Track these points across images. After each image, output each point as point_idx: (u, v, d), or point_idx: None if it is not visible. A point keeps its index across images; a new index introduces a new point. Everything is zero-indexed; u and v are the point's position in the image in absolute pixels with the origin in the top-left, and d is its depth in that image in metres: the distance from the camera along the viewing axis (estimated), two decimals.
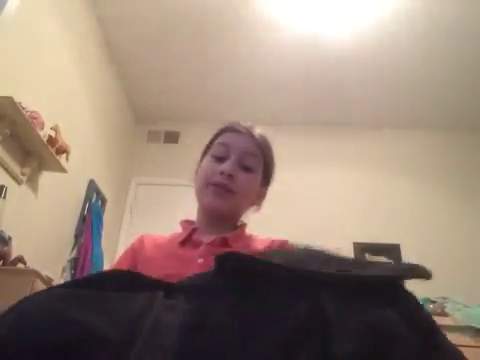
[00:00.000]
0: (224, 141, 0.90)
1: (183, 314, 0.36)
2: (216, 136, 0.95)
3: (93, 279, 0.44)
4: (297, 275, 0.39)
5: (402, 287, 0.41)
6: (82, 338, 0.32)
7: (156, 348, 0.32)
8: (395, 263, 0.48)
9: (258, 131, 0.93)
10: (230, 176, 0.84)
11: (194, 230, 0.86)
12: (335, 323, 0.34)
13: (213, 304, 0.37)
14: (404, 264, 0.46)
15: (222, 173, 0.84)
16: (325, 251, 0.47)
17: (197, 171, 0.94)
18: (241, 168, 0.86)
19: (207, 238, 0.83)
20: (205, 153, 0.94)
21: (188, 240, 0.84)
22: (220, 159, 0.87)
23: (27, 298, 0.39)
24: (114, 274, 0.47)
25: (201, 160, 0.94)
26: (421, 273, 0.44)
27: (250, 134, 0.90)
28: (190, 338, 0.33)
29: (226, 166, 0.84)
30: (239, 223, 0.93)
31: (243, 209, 0.91)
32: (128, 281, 0.43)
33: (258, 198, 0.94)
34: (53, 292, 0.40)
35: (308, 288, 0.37)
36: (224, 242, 0.82)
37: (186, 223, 0.91)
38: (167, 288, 0.43)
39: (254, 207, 0.94)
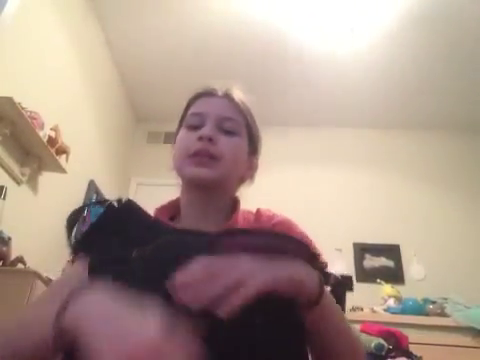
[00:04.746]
0: (197, 110, 0.79)
1: None
2: (188, 105, 0.84)
3: None
4: None
5: None
6: None
7: None
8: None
9: (236, 92, 0.81)
10: (210, 140, 0.72)
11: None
12: None
13: None
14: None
15: (200, 138, 0.72)
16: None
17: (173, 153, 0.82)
18: (221, 132, 0.75)
19: None
20: (179, 128, 0.83)
21: None
22: (195, 128, 0.76)
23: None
24: None
25: (175, 137, 0.83)
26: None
27: (226, 96, 0.79)
28: None
29: (203, 130, 0.73)
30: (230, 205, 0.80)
31: (233, 180, 0.78)
32: None
33: (249, 169, 0.82)
34: None
35: None
36: None
37: (161, 211, 0.79)
38: None
39: (247, 180, 0.82)
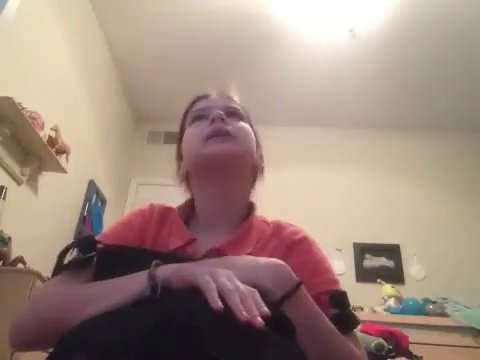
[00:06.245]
0: (199, 107, 0.80)
1: None
2: (188, 108, 0.84)
3: None
4: None
5: None
6: None
7: None
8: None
9: (232, 95, 0.83)
10: (222, 120, 0.73)
11: (192, 240, 0.72)
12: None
13: None
14: None
15: (213, 121, 0.73)
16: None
17: (178, 149, 0.83)
18: (228, 115, 0.76)
19: (202, 247, 0.70)
20: (182, 131, 0.82)
21: (182, 248, 0.71)
22: (201, 118, 0.77)
23: None
24: None
25: (180, 140, 0.82)
26: None
27: (225, 95, 0.82)
28: None
29: (214, 113, 0.74)
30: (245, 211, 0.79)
31: (251, 159, 0.77)
32: None
33: (259, 158, 0.82)
34: None
35: None
36: (219, 253, 0.68)
37: (181, 225, 0.75)
38: None
39: (258, 173, 0.82)
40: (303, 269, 0.61)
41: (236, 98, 0.83)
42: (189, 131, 0.78)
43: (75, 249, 0.65)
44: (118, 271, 0.56)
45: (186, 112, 0.84)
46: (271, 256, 0.60)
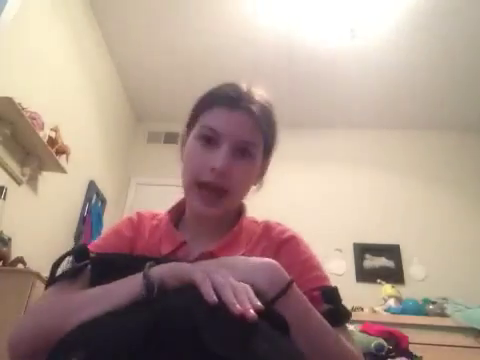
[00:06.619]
0: (213, 125, 0.71)
1: None
2: (203, 108, 0.75)
3: None
4: None
5: None
6: None
7: None
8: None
9: (257, 99, 0.74)
10: (223, 174, 0.69)
11: (183, 244, 0.73)
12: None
13: None
14: None
15: (213, 170, 0.68)
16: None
17: (182, 152, 0.78)
18: (236, 155, 0.71)
19: (194, 250, 0.71)
20: (189, 128, 0.78)
21: (173, 253, 0.72)
22: (209, 142, 0.71)
23: None
24: None
25: (186, 136, 0.78)
26: None
27: (247, 110, 0.72)
28: None
29: (218, 162, 0.68)
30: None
31: (240, 201, 0.78)
32: None
33: (258, 177, 0.80)
34: None
35: None
36: (211, 257, 0.67)
37: (172, 229, 0.76)
38: None
39: (255, 186, 0.80)
40: (292, 267, 0.62)
41: (260, 100, 0.75)
42: (191, 148, 0.74)
43: (70, 258, 0.65)
44: (113, 278, 0.57)
45: (199, 111, 0.76)
46: (262, 256, 0.61)
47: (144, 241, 0.75)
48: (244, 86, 0.76)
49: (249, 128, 0.72)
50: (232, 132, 0.70)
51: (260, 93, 0.76)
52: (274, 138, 0.79)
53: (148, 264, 0.55)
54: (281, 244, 0.73)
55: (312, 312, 0.56)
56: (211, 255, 0.69)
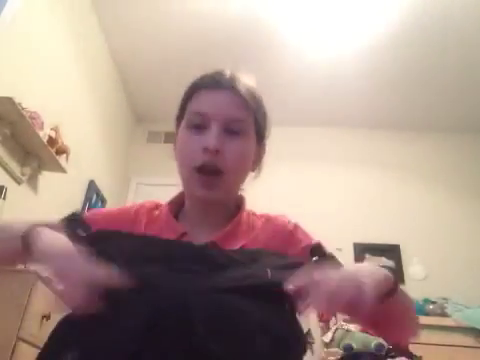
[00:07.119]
0: (200, 109, 0.72)
1: None
2: (189, 96, 0.76)
3: None
4: None
5: None
6: None
7: None
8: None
9: (242, 83, 0.74)
10: (217, 152, 0.68)
11: (183, 234, 0.72)
12: None
13: None
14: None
15: (205, 150, 0.68)
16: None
17: (175, 146, 0.78)
18: (228, 134, 0.70)
19: (194, 239, 0.71)
20: (179, 120, 0.78)
21: None
22: (199, 128, 0.71)
23: None
24: None
25: (177, 128, 0.78)
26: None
27: (231, 88, 0.72)
28: None
29: (209, 140, 0.68)
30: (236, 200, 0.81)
31: (240, 184, 0.78)
32: None
33: (255, 162, 0.79)
34: None
35: None
36: (214, 246, 0.69)
37: (172, 219, 0.76)
38: None
39: (254, 172, 0.81)
40: (305, 252, 0.72)
41: (244, 82, 0.75)
42: (182, 138, 0.74)
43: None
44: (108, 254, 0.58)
45: (185, 100, 0.77)
46: (265, 247, 0.69)
47: (144, 228, 0.76)
48: (228, 71, 0.77)
49: (236, 105, 0.72)
50: (219, 111, 0.71)
51: (246, 78, 0.77)
52: (265, 119, 0.79)
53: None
54: (291, 234, 0.77)
55: (406, 296, 0.68)
56: (214, 245, 0.69)
